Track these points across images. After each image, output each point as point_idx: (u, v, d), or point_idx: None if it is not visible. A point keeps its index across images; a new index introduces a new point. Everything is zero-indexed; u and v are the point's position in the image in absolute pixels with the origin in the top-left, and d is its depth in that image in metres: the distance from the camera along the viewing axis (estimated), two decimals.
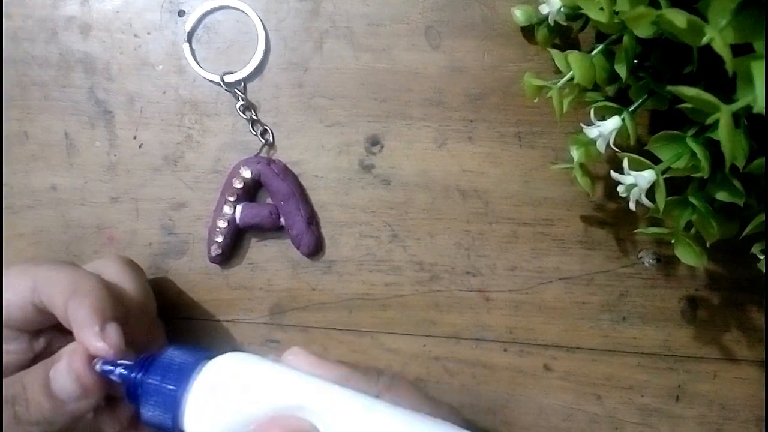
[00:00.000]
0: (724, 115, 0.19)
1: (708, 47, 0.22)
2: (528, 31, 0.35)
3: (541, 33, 0.34)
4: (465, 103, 0.36)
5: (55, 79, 0.36)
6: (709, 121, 0.20)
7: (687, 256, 0.28)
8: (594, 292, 0.35)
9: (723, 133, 0.19)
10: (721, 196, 0.26)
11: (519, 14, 0.34)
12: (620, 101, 0.29)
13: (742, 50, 0.19)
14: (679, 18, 0.18)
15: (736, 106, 0.19)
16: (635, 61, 0.28)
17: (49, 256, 0.36)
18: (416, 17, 0.36)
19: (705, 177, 0.24)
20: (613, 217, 0.35)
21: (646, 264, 0.35)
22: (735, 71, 0.19)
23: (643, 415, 0.35)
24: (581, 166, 0.31)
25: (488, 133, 0.35)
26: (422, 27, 0.36)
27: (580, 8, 0.27)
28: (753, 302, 0.35)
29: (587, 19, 0.32)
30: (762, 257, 0.28)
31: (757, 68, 0.18)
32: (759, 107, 0.18)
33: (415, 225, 0.36)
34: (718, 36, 0.18)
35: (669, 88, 0.20)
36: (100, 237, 0.36)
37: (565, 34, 0.35)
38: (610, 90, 0.31)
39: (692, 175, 0.26)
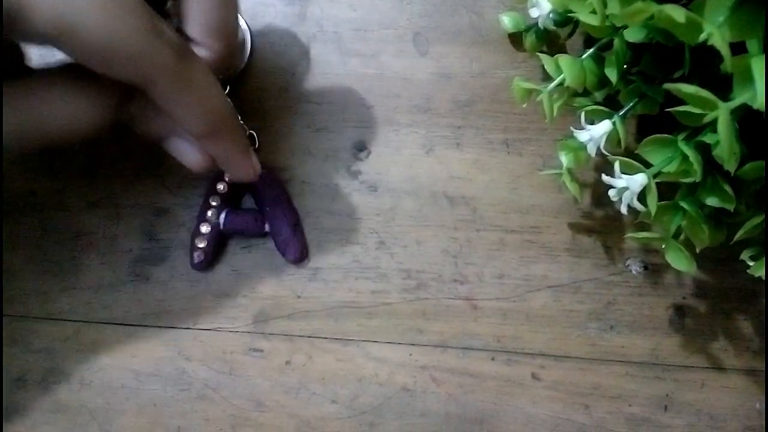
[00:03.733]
0: (722, 113, 0.19)
1: (698, 50, 0.22)
2: (516, 38, 0.35)
3: (529, 39, 0.34)
4: (453, 109, 0.35)
5: None
6: (707, 119, 0.20)
7: (678, 261, 0.27)
8: (582, 301, 0.35)
9: (722, 130, 0.19)
10: (712, 201, 0.26)
11: (507, 21, 0.34)
12: (609, 107, 0.29)
13: (736, 50, 0.19)
14: (677, 13, 0.18)
15: (734, 104, 0.19)
16: (624, 66, 0.28)
17: (26, 261, 0.35)
18: (404, 23, 0.36)
19: (697, 181, 0.24)
20: (600, 225, 0.35)
21: (634, 272, 0.35)
22: (732, 70, 0.19)
23: (631, 425, 0.34)
24: (569, 171, 0.31)
25: (476, 140, 0.35)
26: (410, 33, 0.36)
27: (570, 12, 0.27)
28: (740, 311, 0.35)
29: (575, 26, 0.32)
30: (752, 263, 0.27)
31: (757, 65, 0.18)
32: (758, 104, 0.18)
33: (402, 232, 0.35)
34: (716, 31, 0.18)
35: (666, 86, 0.20)
36: (78, 242, 0.35)
37: (552, 42, 0.35)
38: (599, 95, 0.31)
39: (682, 181, 0.26)
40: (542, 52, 0.34)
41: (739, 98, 0.19)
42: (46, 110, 0.25)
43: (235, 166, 0.30)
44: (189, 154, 0.29)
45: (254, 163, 0.31)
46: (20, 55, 0.26)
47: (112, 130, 0.28)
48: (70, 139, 0.26)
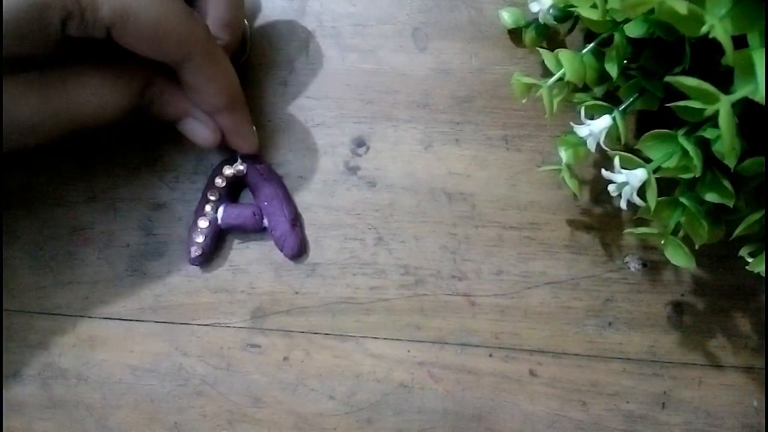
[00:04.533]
0: (724, 105, 0.19)
1: (699, 45, 0.22)
2: (515, 34, 0.35)
3: (528, 35, 0.34)
4: (452, 105, 0.35)
5: None
6: (707, 113, 0.19)
7: (677, 257, 0.27)
8: (580, 297, 0.35)
9: (723, 123, 0.19)
10: (711, 197, 0.26)
11: (506, 16, 0.34)
12: (609, 102, 0.29)
13: (736, 44, 0.19)
14: (679, 5, 0.18)
15: (734, 97, 0.19)
16: (624, 61, 0.28)
17: (23, 256, 0.35)
18: (403, 18, 0.36)
19: (696, 176, 0.24)
20: (599, 222, 0.35)
21: (632, 269, 0.35)
22: (733, 63, 0.19)
23: (628, 422, 0.34)
24: (569, 167, 0.31)
25: (475, 136, 0.35)
26: (409, 28, 0.36)
27: (570, 7, 0.26)
28: (737, 308, 0.35)
29: (575, 21, 0.32)
30: (751, 260, 0.27)
31: (759, 58, 0.18)
32: (760, 97, 0.18)
33: (401, 228, 0.35)
34: (718, 23, 0.18)
35: (668, 78, 0.20)
36: (76, 237, 0.35)
37: (552, 37, 0.35)
38: (599, 91, 0.31)
39: (682, 176, 0.26)
40: (542, 47, 0.34)
41: (741, 91, 0.19)
42: (79, 96, 0.28)
43: (242, 138, 0.33)
44: (201, 131, 0.32)
45: (256, 136, 0.34)
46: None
47: (134, 112, 0.30)
48: (99, 122, 0.30)
